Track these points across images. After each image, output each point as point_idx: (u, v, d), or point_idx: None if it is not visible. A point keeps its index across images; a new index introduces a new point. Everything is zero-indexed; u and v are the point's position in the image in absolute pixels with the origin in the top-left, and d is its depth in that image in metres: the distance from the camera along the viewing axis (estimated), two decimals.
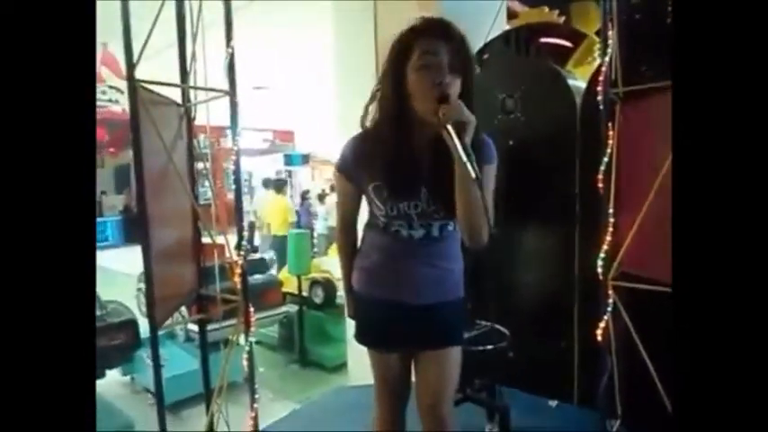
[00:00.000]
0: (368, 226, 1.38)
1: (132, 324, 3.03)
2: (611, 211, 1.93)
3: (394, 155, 1.17)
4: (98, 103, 7.26)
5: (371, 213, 1.33)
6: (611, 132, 1.92)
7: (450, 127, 1.02)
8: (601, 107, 1.92)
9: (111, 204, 11.47)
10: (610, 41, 1.89)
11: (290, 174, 13.39)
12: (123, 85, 1.76)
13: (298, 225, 8.51)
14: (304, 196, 10.40)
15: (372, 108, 1.24)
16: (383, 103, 1.19)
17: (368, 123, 1.26)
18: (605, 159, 1.92)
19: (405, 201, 1.21)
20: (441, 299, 1.32)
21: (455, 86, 1.10)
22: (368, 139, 1.23)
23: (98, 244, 6.67)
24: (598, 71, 2.01)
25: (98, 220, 6.58)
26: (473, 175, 1.00)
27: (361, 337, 1.42)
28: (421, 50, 1.10)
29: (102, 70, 7.08)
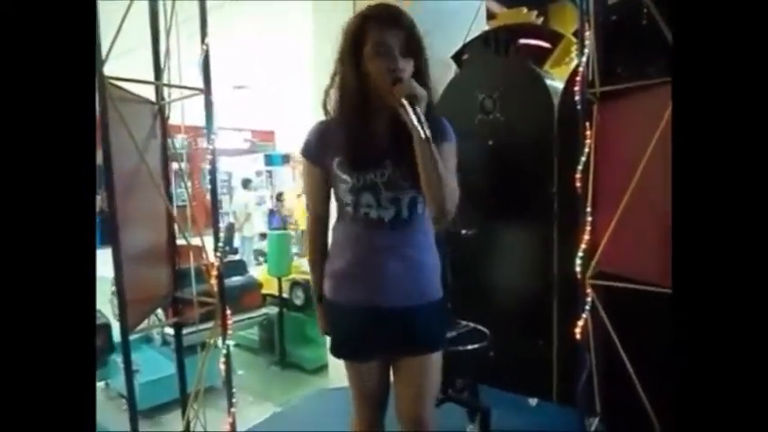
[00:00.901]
0: (336, 221, 1.34)
1: (105, 328, 2.96)
2: (588, 210, 1.95)
3: (356, 131, 1.20)
4: None
5: (339, 202, 1.30)
6: (588, 132, 1.93)
7: (404, 101, 1.08)
8: (578, 107, 1.93)
9: None
10: (587, 42, 1.91)
11: (270, 174, 13.27)
12: None
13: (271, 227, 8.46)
14: (278, 198, 10.32)
15: (332, 92, 1.26)
16: (342, 87, 1.22)
17: (329, 108, 1.27)
18: (583, 159, 1.93)
19: (371, 169, 1.21)
20: (418, 301, 1.29)
21: (408, 69, 1.16)
22: (329, 123, 1.26)
23: None
24: (575, 72, 2.02)
25: None
26: (423, 135, 1.07)
27: (337, 350, 1.37)
28: (374, 40, 1.15)
29: None
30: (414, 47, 1.17)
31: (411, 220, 1.26)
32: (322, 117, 1.31)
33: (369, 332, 1.29)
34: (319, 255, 1.38)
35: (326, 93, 1.27)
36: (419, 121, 1.07)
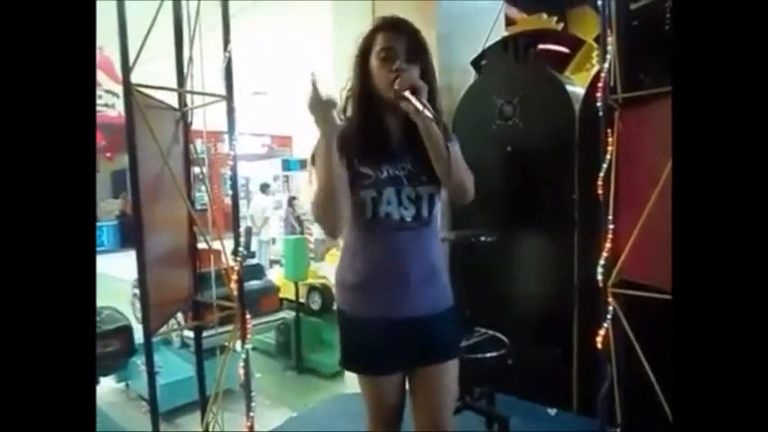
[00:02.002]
0: (350, 230, 1.30)
1: (127, 330, 3.00)
2: (610, 217, 1.92)
3: (373, 128, 1.26)
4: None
5: (356, 207, 1.25)
6: (610, 139, 1.91)
7: (407, 93, 1.14)
8: (600, 113, 1.91)
9: (108, 209, 11.42)
10: (609, 48, 1.89)
11: (287, 178, 13.37)
12: (119, 89, 1.75)
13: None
14: (290, 202, 10.38)
15: (344, 95, 1.32)
16: (354, 89, 1.29)
17: (346, 113, 1.31)
18: (604, 166, 1.91)
19: (392, 162, 1.25)
20: (438, 308, 1.30)
21: (413, 72, 1.22)
22: (345, 129, 1.26)
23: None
24: (597, 77, 2.01)
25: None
26: (430, 116, 1.11)
27: (353, 364, 1.35)
28: (380, 46, 1.24)
29: (98, 74, 7.07)
30: (418, 52, 1.25)
31: (429, 221, 1.28)
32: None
33: (390, 344, 1.27)
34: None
35: (343, 98, 1.32)
36: (424, 106, 1.11)
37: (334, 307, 4.42)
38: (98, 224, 6.41)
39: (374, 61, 1.24)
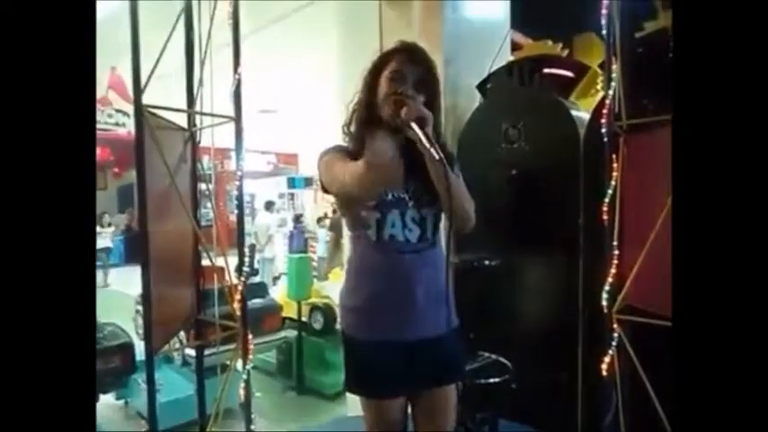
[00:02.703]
0: (353, 253, 1.33)
1: (128, 347, 2.98)
2: (615, 243, 1.91)
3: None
4: (104, 125, 7.34)
5: (359, 229, 1.29)
6: (615, 164, 1.91)
7: (413, 124, 1.12)
8: (605, 139, 1.92)
9: (114, 224, 11.48)
10: (613, 74, 1.91)
11: (292, 196, 13.42)
12: (130, 108, 1.77)
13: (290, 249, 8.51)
14: (297, 219, 10.41)
15: (351, 109, 1.33)
16: (359, 109, 1.30)
17: (351, 128, 1.33)
18: (609, 191, 1.91)
19: (397, 185, 1.25)
20: (445, 330, 1.28)
21: (418, 99, 1.21)
22: (350, 147, 1.30)
23: (99, 263, 6.66)
24: (602, 103, 2.02)
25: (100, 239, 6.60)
26: (436, 156, 1.09)
27: (357, 385, 1.34)
28: (392, 68, 1.25)
29: (109, 94, 7.17)
30: (427, 83, 1.26)
31: (434, 242, 1.30)
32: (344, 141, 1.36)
33: (395, 367, 1.27)
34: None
35: (350, 111, 1.34)
36: (429, 142, 1.10)
37: (338, 326, 4.41)
38: (112, 240, 6.45)
39: (383, 81, 1.25)
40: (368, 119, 1.26)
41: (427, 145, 1.10)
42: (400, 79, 1.23)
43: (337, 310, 4.43)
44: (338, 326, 4.28)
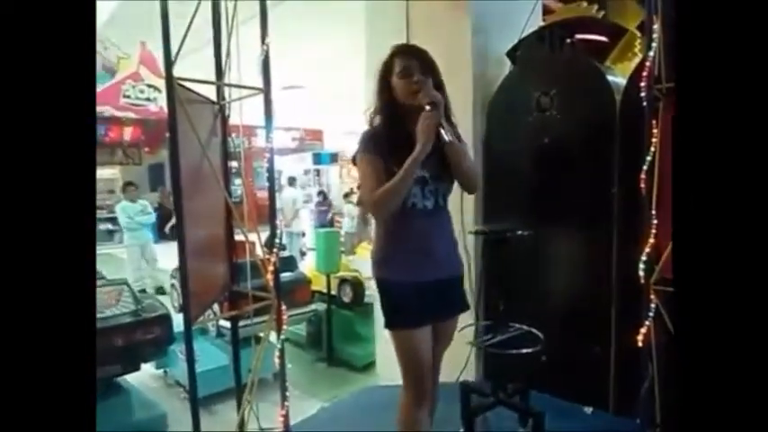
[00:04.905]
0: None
1: (166, 319, 3.08)
2: (653, 212, 1.86)
3: (400, 135, 1.56)
4: (136, 102, 7.43)
5: None
6: (654, 131, 1.84)
7: (427, 107, 1.50)
8: (645, 104, 1.84)
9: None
10: (654, 35, 1.82)
11: (318, 172, 13.49)
12: (160, 83, 1.78)
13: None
14: (325, 196, 10.48)
15: (375, 106, 1.65)
16: (381, 107, 1.63)
17: (375, 121, 1.65)
18: (648, 159, 1.84)
19: (421, 165, 1.53)
20: (458, 271, 1.72)
21: (428, 83, 1.55)
22: (378, 133, 1.62)
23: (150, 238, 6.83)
24: (640, 67, 1.94)
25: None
26: (446, 138, 1.52)
27: (397, 320, 1.62)
28: (399, 67, 1.58)
29: (140, 69, 7.25)
30: (429, 68, 1.58)
31: (444, 208, 1.65)
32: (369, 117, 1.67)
33: (424, 302, 1.60)
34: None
35: (373, 108, 1.65)
36: (441, 127, 1.50)
37: (366, 300, 4.44)
38: (146, 217, 6.60)
39: (395, 80, 1.58)
40: (392, 115, 1.59)
41: (442, 133, 1.51)
42: (409, 73, 1.55)
43: (366, 283, 4.49)
44: (367, 299, 4.35)
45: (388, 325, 1.64)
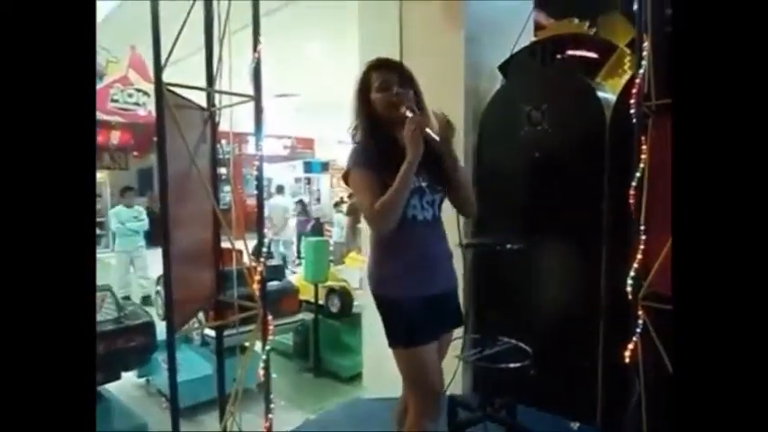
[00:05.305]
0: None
1: (149, 327, 3.03)
2: (642, 228, 1.86)
3: (390, 149, 1.52)
4: (125, 106, 7.37)
5: None
6: (643, 147, 1.85)
7: (409, 113, 1.48)
8: (634, 120, 1.86)
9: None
10: (644, 53, 1.84)
11: (308, 180, 13.45)
12: (149, 88, 1.76)
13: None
14: (304, 205, 10.39)
15: (357, 124, 1.62)
16: (362, 121, 1.60)
17: (356, 137, 1.62)
18: (637, 174, 1.85)
19: (415, 175, 1.50)
20: (454, 284, 1.69)
21: (408, 95, 1.54)
22: (366, 147, 1.58)
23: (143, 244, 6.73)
24: (630, 83, 1.96)
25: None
26: (437, 138, 1.46)
27: (405, 338, 1.55)
28: (377, 81, 1.56)
29: (129, 73, 7.20)
30: (408, 80, 1.56)
31: (440, 218, 1.64)
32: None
33: (428, 316, 1.56)
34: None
35: (354, 124, 1.62)
36: (429, 128, 1.46)
37: (354, 310, 4.40)
38: (139, 224, 6.49)
39: (374, 94, 1.55)
40: (372, 129, 1.57)
41: (430, 133, 1.45)
42: (388, 86, 1.54)
43: (354, 294, 4.46)
44: (355, 309, 4.32)
45: (398, 343, 1.56)
